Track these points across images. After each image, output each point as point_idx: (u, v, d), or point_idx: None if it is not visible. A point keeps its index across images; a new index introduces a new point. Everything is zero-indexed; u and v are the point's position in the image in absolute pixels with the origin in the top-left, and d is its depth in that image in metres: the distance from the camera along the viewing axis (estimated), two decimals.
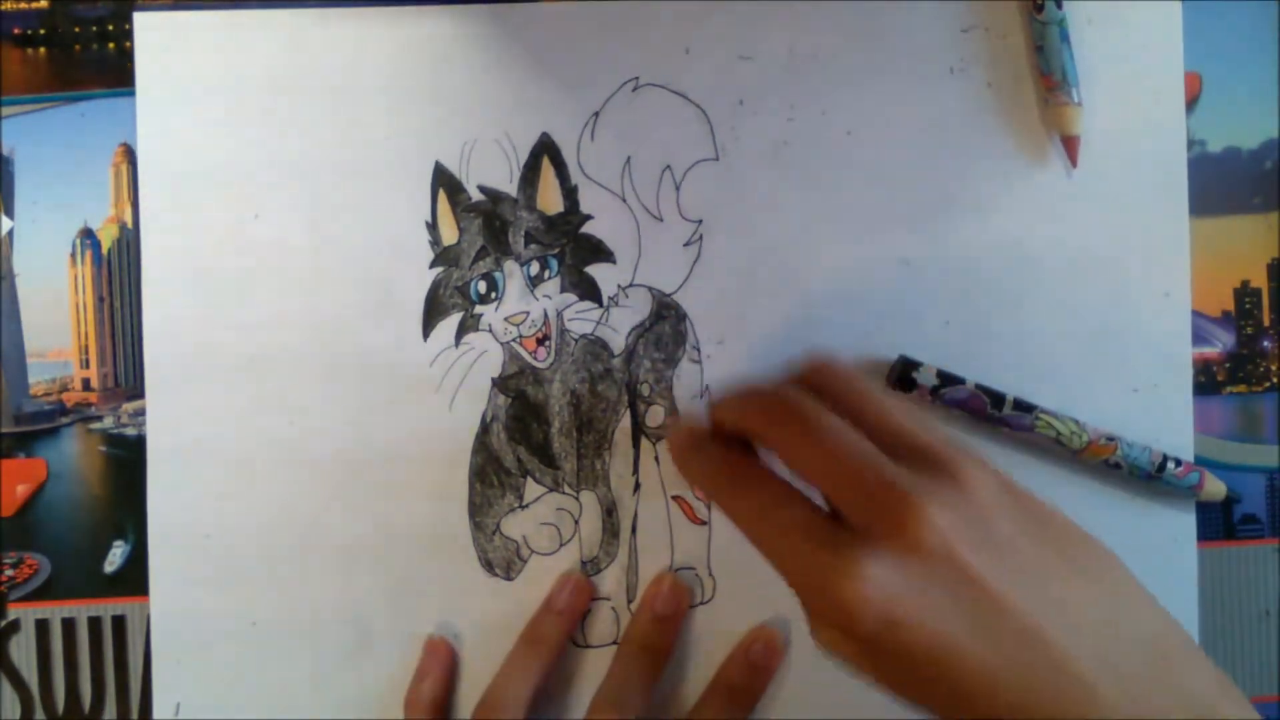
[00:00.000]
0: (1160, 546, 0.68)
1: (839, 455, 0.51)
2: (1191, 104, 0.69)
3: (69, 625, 0.69)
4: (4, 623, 0.69)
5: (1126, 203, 0.68)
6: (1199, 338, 0.69)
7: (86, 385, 0.70)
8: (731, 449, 0.55)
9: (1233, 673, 0.68)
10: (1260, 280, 0.70)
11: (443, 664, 0.68)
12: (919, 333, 0.68)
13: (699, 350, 0.68)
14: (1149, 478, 0.67)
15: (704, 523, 0.68)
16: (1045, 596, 0.49)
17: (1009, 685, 0.48)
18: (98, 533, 0.69)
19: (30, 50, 0.70)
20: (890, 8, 0.68)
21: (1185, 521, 0.69)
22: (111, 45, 0.69)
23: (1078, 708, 0.48)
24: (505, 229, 0.68)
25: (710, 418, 0.58)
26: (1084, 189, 0.68)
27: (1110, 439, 0.66)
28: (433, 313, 0.68)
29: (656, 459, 0.68)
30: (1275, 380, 0.70)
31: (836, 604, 0.48)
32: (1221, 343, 0.70)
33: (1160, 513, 0.68)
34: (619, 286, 0.68)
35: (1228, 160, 0.70)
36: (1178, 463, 0.67)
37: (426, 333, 0.68)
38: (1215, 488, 0.68)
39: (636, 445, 0.68)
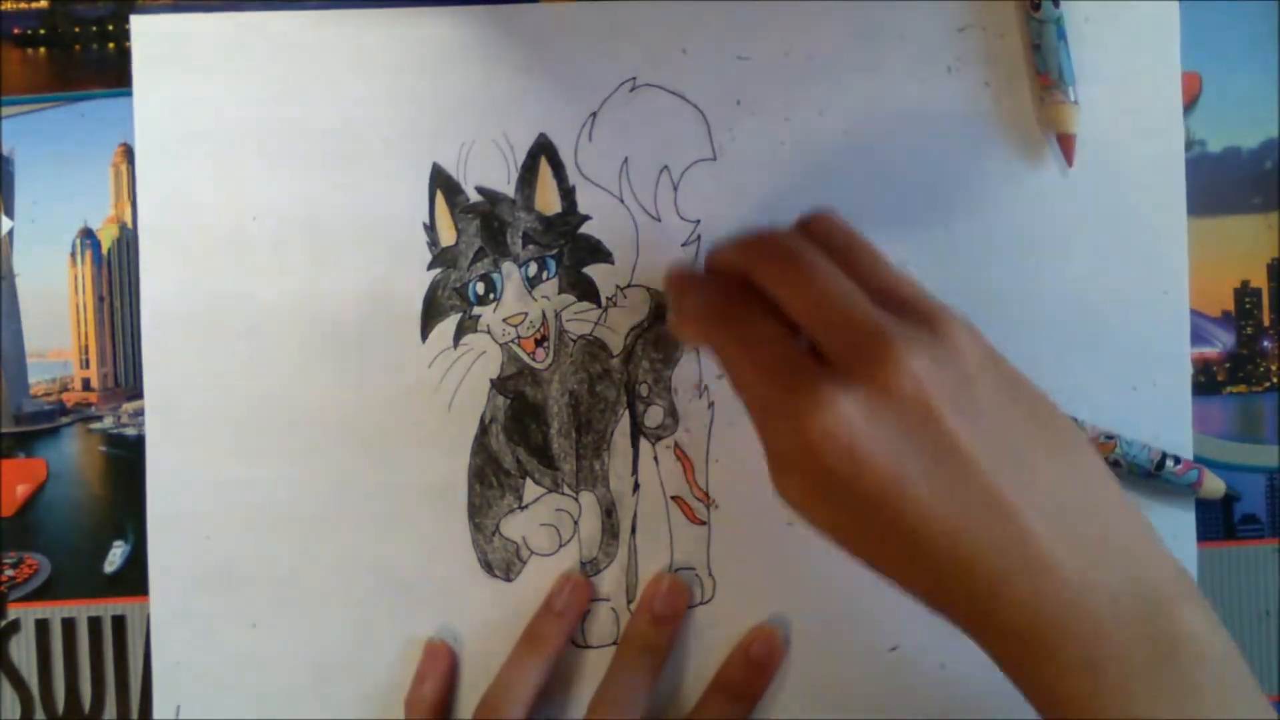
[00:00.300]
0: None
1: (827, 294, 0.52)
2: (1191, 104, 0.69)
3: (69, 625, 0.69)
4: (4, 623, 0.69)
5: (1123, 201, 0.68)
6: (1199, 338, 0.69)
7: (86, 385, 0.70)
8: (725, 288, 0.56)
9: None
10: (1260, 280, 0.70)
11: (443, 666, 0.68)
12: None
13: (698, 350, 0.68)
14: (1148, 475, 0.67)
15: (703, 523, 0.68)
16: (1017, 468, 0.49)
17: (968, 547, 0.48)
18: (98, 533, 0.69)
19: (30, 50, 0.70)
20: (887, 7, 0.68)
21: (1185, 521, 0.69)
22: (111, 45, 0.69)
23: (1035, 584, 0.48)
24: (503, 230, 0.68)
25: (706, 264, 0.59)
26: (1081, 187, 0.68)
27: (1109, 437, 0.66)
28: (431, 314, 0.68)
29: (656, 459, 0.68)
30: (1275, 380, 0.69)
31: (800, 437, 0.48)
32: (1221, 343, 0.69)
33: (1160, 512, 0.68)
34: (617, 287, 0.68)
35: (1227, 160, 0.70)
36: (1176, 460, 0.67)
37: (425, 334, 0.68)
38: (1214, 485, 0.68)
39: (635, 445, 0.68)
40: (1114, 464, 0.66)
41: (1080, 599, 0.48)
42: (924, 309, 0.52)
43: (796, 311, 0.52)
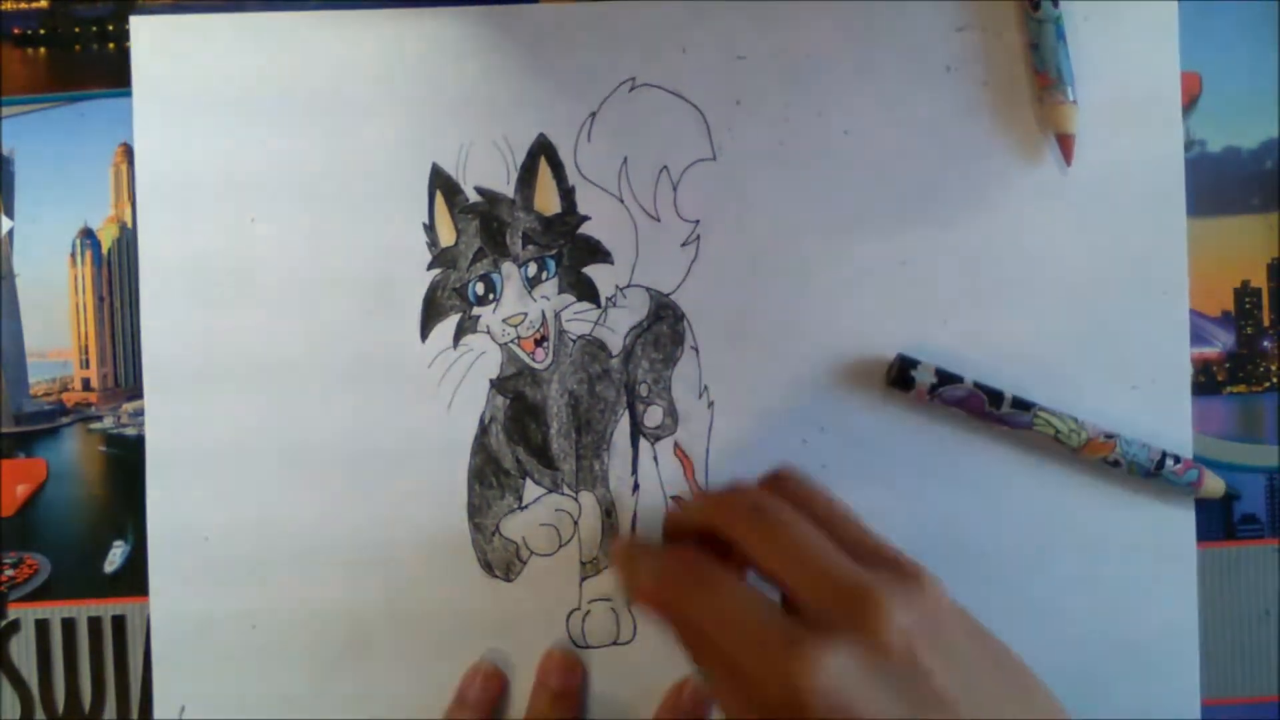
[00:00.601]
0: (1160, 547, 0.68)
1: (806, 549, 0.52)
2: (1191, 104, 0.69)
3: (69, 625, 0.69)
4: (4, 623, 0.69)
5: (1123, 200, 0.68)
6: (1199, 338, 0.69)
7: (86, 385, 0.70)
8: (682, 556, 0.55)
9: (1233, 673, 0.68)
10: (1260, 280, 0.70)
11: (491, 699, 0.68)
12: (916, 332, 0.68)
13: (697, 350, 0.68)
14: (1148, 475, 0.67)
15: None
16: (993, 713, 0.50)
17: None
18: (98, 533, 0.69)
19: (30, 50, 0.70)
20: (885, 7, 0.68)
21: (1185, 521, 0.69)
22: (111, 45, 0.69)
23: None
24: (503, 230, 0.68)
25: (667, 528, 0.59)
26: (1079, 187, 0.68)
27: (1109, 436, 0.66)
28: (431, 314, 0.68)
29: (655, 459, 0.68)
30: (1275, 380, 0.69)
31: (789, 693, 0.47)
32: (1221, 343, 0.69)
33: (1160, 513, 0.68)
34: (617, 287, 0.68)
35: (1227, 160, 0.70)
36: (1176, 460, 0.67)
37: (424, 334, 0.68)
38: (1214, 485, 0.68)
39: (635, 446, 0.68)
40: (1113, 464, 0.66)
41: None
42: (898, 563, 0.53)
43: (774, 568, 0.52)
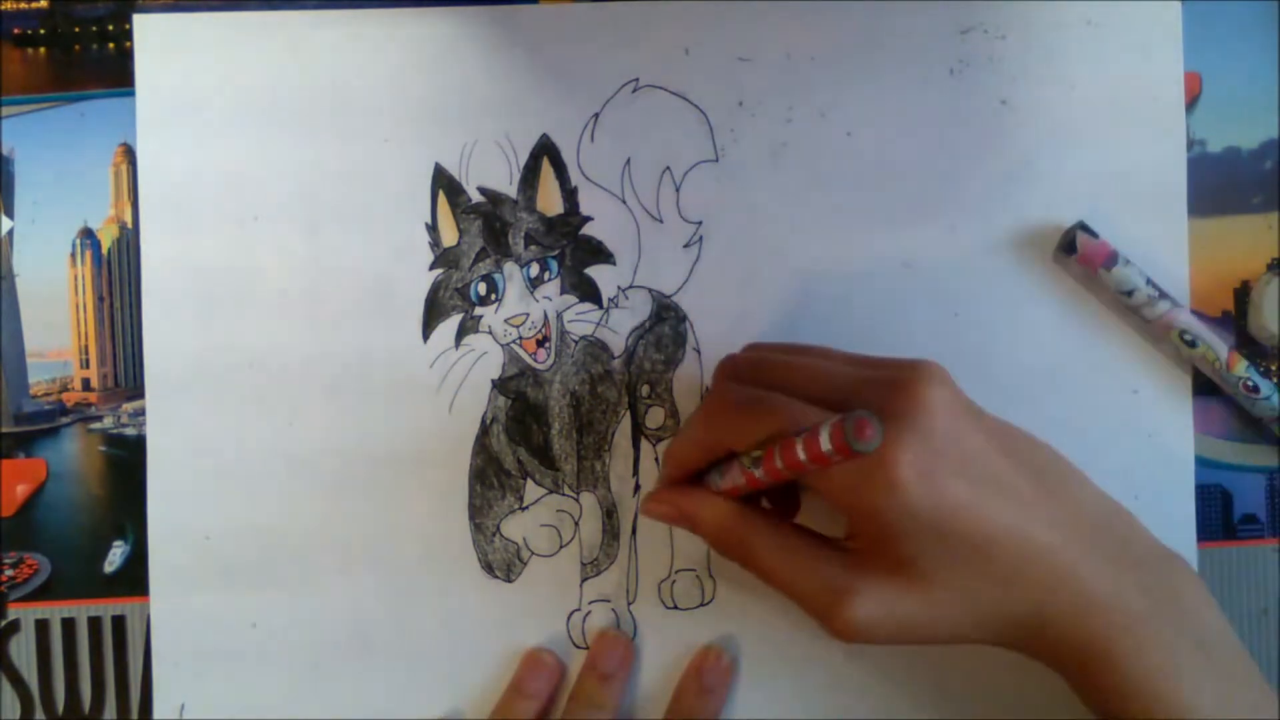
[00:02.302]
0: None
1: (833, 366, 0.57)
2: (1191, 104, 0.69)
3: (69, 625, 0.69)
4: (4, 623, 0.69)
5: (1125, 202, 0.68)
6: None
7: (86, 385, 0.70)
8: (731, 511, 0.59)
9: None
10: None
11: (551, 690, 0.68)
12: (919, 333, 0.68)
13: (699, 352, 0.68)
14: None
15: None
16: (1040, 480, 0.55)
17: (1050, 553, 0.53)
18: (98, 533, 0.69)
19: (30, 50, 0.70)
20: (889, 9, 0.68)
21: (1185, 521, 0.69)
22: (111, 45, 0.69)
23: (1088, 587, 0.54)
24: (505, 230, 0.68)
25: (670, 469, 0.61)
26: (1081, 187, 0.68)
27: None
28: (433, 314, 0.68)
29: (656, 460, 0.68)
30: (1275, 380, 0.69)
31: (886, 476, 0.51)
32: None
33: (1160, 513, 0.68)
34: (619, 288, 0.68)
35: (1228, 160, 0.70)
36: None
37: (426, 334, 0.68)
38: None
39: (636, 447, 0.68)
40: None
41: (1120, 597, 0.54)
42: (899, 359, 0.56)
43: (820, 389, 0.55)
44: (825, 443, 0.47)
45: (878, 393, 0.53)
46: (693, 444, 0.59)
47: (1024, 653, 0.56)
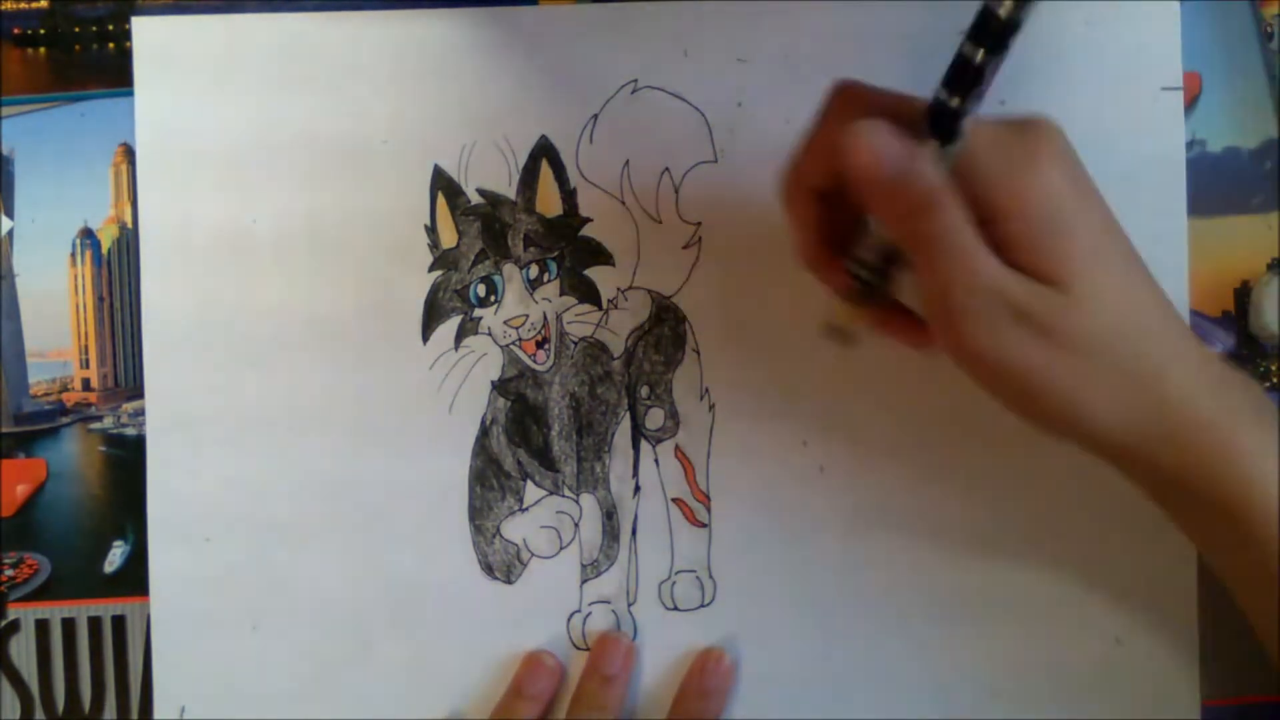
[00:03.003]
0: (1160, 547, 0.68)
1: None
2: (1191, 104, 0.69)
3: (69, 625, 0.69)
4: (4, 623, 0.69)
5: (1123, 201, 0.68)
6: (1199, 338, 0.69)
7: (86, 385, 0.70)
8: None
9: (1233, 673, 0.69)
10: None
11: (551, 693, 0.68)
12: None
13: (698, 353, 0.68)
14: None
15: (704, 525, 0.68)
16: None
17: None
18: (98, 533, 0.69)
19: (30, 50, 0.70)
20: (888, 9, 0.68)
21: None
22: (111, 45, 0.69)
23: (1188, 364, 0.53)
24: (504, 232, 0.68)
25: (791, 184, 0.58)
26: None
27: None
28: (432, 316, 0.68)
29: (656, 461, 0.68)
30: (1275, 380, 0.69)
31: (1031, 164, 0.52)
32: (1221, 343, 0.69)
33: (1161, 513, 0.68)
34: (618, 289, 0.68)
35: (1228, 160, 0.70)
36: None
37: (426, 336, 0.68)
38: None
39: (636, 448, 0.68)
40: None
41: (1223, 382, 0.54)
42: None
43: None
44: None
45: (1006, 127, 0.53)
46: (813, 156, 0.57)
47: (1131, 437, 0.54)
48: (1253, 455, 0.53)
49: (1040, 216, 0.51)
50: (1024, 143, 0.52)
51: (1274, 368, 0.70)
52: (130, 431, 0.69)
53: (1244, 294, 0.70)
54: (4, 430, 0.70)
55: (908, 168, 0.51)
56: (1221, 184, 0.69)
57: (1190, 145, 0.69)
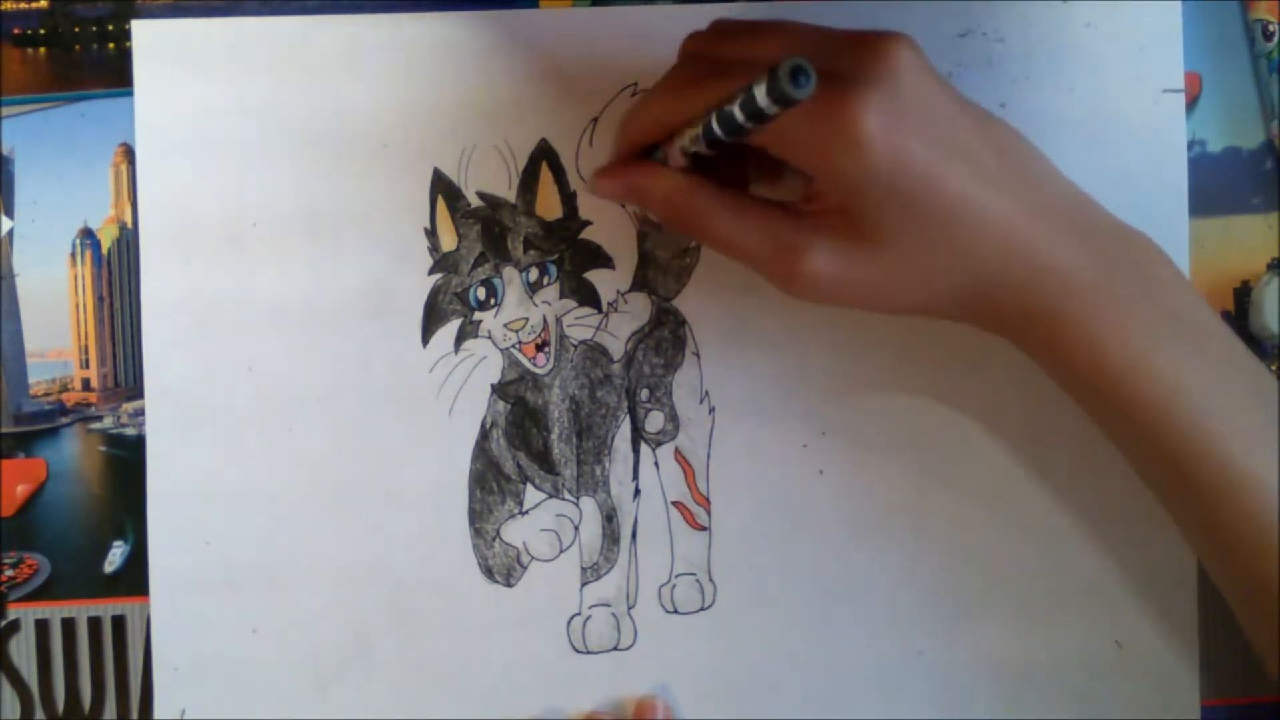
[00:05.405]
0: (1160, 548, 0.68)
1: (798, 37, 0.57)
2: (1191, 104, 0.69)
3: (69, 625, 0.69)
4: (4, 623, 0.69)
5: (1123, 200, 0.68)
6: None
7: (86, 385, 0.70)
8: (681, 184, 0.59)
9: (1232, 673, 0.69)
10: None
11: None
12: (922, 332, 0.68)
13: (698, 356, 0.68)
14: None
15: (704, 529, 0.68)
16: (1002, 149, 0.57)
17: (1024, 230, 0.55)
18: (98, 533, 0.69)
19: (30, 50, 0.70)
20: (888, 10, 0.68)
21: None
22: (111, 45, 0.69)
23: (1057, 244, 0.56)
24: (504, 235, 0.68)
25: (627, 134, 0.61)
26: (1083, 189, 0.68)
27: None
28: (432, 319, 0.68)
29: (656, 464, 0.68)
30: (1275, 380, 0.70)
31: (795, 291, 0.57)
32: None
33: (1161, 511, 0.68)
34: (618, 292, 0.68)
35: (1228, 160, 0.70)
36: None
37: (425, 339, 0.68)
38: None
39: (636, 451, 0.68)
40: None
41: (1077, 265, 0.56)
42: (869, 30, 0.57)
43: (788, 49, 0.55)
44: (761, 97, 0.46)
45: (846, 57, 0.54)
46: (647, 114, 0.60)
47: (978, 324, 0.59)
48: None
49: (840, 196, 0.55)
50: (831, 121, 0.52)
51: (1274, 368, 0.70)
52: (130, 431, 0.69)
53: (1244, 294, 0.70)
54: (4, 430, 0.69)
55: (691, 209, 0.59)
56: (1221, 184, 0.69)
57: (1190, 145, 0.69)
